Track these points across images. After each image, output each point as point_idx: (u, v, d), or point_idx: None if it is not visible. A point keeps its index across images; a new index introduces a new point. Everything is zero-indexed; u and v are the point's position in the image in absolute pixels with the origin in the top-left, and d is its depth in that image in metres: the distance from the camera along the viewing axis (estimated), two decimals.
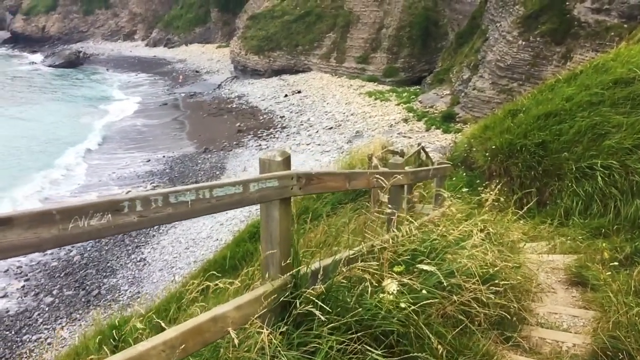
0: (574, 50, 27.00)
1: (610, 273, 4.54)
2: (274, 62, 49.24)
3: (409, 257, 3.65)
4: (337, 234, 5.03)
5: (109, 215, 1.94)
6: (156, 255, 19.10)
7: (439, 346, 2.95)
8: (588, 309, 4.57)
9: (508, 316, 3.79)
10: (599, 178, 8.34)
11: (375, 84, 42.49)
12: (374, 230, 4.29)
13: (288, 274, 2.90)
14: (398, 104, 36.41)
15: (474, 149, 11.99)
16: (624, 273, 4.76)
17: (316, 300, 2.79)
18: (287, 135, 33.06)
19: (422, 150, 13.24)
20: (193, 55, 65.16)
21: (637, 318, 3.59)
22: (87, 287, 17.29)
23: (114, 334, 5.49)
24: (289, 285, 2.88)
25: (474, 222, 4.68)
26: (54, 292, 17.00)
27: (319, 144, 30.49)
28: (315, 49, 47.87)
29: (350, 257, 3.36)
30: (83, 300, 16.55)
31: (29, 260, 18.70)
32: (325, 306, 2.75)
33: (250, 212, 17.32)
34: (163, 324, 2.70)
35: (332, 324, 2.74)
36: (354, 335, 2.77)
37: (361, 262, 3.31)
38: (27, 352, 13.63)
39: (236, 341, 2.48)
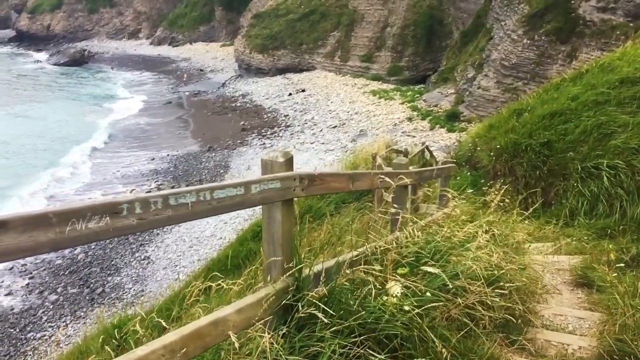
0: (580, 49, 26.81)
1: (616, 274, 4.49)
2: (278, 61, 49.21)
3: (413, 258, 3.62)
4: (340, 233, 5.00)
5: (108, 218, 1.90)
6: (160, 254, 19.11)
7: (443, 350, 2.91)
8: (594, 310, 4.52)
9: (513, 319, 3.74)
10: (605, 178, 8.30)
11: (380, 82, 42.37)
12: (378, 230, 4.25)
13: (290, 276, 2.86)
14: (402, 103, 36.28)
15: (479, 149, 11.94)
16: (630, 274, 4.72)
17: (318, 303, 2.75)
18: (291, 134, 33.01)
19: (426, 150, 13.21)
20: (197, 54, 65.23)
21: None
22: (92, 285, 17.32)
23: (116, 333, 5.48)
24: (291, 288, 2.84)
25: (479, 224, 4.63)
26: (59, 290, 17.05)
27: (323, 143, 30.44)
28: (320, 47, 47.80)
29: (354, 258, 3.32)
30: (87, 298, 16.58)
31: (34, 259, 18.71)
32: (327, 309, 2.71)
33: (254, 210, 17.26)
34: (164, 324, 2.68)
35: (335, 327, 2.70)
36: (357, 339, 2.73)
37: (364, 264, 3.27)
38: (32, 349, 13.68)
39: (237, 345, 2.45)
